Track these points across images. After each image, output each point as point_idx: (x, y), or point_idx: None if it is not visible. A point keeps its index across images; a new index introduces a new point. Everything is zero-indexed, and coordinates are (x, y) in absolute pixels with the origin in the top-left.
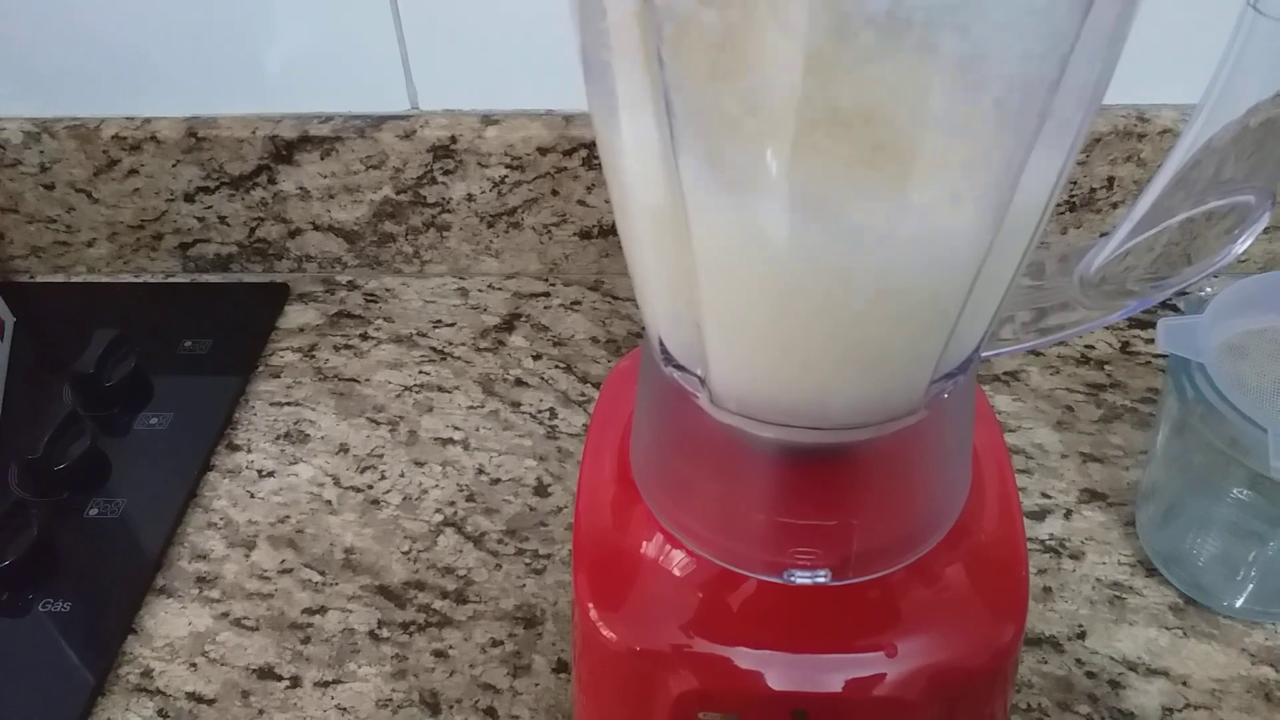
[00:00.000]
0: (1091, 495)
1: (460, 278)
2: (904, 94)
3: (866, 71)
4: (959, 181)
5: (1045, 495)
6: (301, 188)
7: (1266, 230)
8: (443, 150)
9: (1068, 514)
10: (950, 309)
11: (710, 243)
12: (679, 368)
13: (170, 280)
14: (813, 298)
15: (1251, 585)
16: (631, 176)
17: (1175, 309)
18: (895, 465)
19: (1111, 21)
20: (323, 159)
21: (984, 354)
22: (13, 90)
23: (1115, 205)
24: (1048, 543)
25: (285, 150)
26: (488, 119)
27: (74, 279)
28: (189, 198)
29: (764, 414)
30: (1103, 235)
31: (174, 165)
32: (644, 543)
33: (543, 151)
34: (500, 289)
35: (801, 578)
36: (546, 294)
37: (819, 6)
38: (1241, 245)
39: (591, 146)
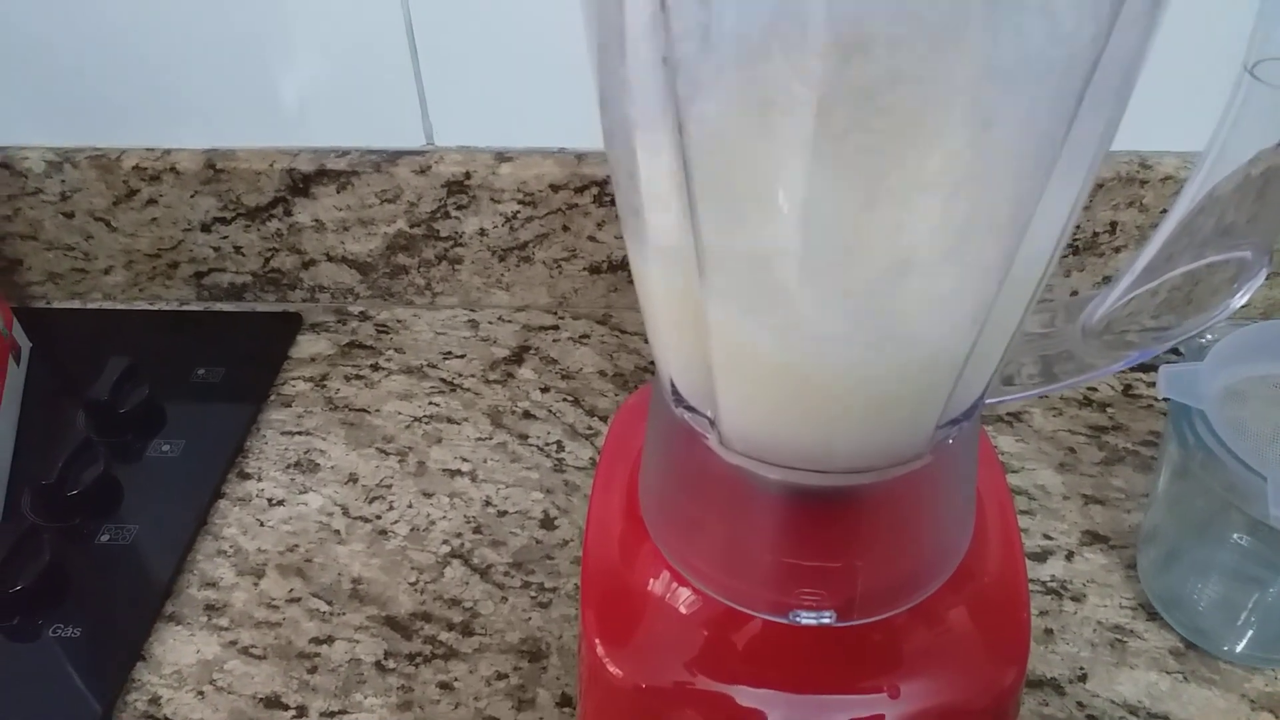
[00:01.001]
0: (1093, 537)
1: (471, 310)
2: (912, 146)
3: (874, 123)
4: (966, 233)
5: (1047, 536)
6: (317, 220)
7: (1267, 278)
8: (457, 185)
9: (1069, 556)
10: (956, 357)
11: (721, 285)
12: (689, 408)
13: (184, 308)
14: (821, 344)
15: (1252, 631)
16: (647, 216)
17: (1177, 354)
18: (900, 509)
19: (1119, 75)
20: (339, 192)
21: (989, 400)
22: (36, 120)
23: (1118, 249)
24: (1049, 584)
25: (302, 183)
26: (502, 156)
27: (89, 305)
28: (205, 228)
29: (772, 456)
30: (1106, 280)
31: (192, 196)
32: (651, 580)
33: (555, 188)
34: (510, 321)
35: (806, 618)
36: (556, 327)
37: (829, 21)
38: (1240, 299)
39: (603, 184)
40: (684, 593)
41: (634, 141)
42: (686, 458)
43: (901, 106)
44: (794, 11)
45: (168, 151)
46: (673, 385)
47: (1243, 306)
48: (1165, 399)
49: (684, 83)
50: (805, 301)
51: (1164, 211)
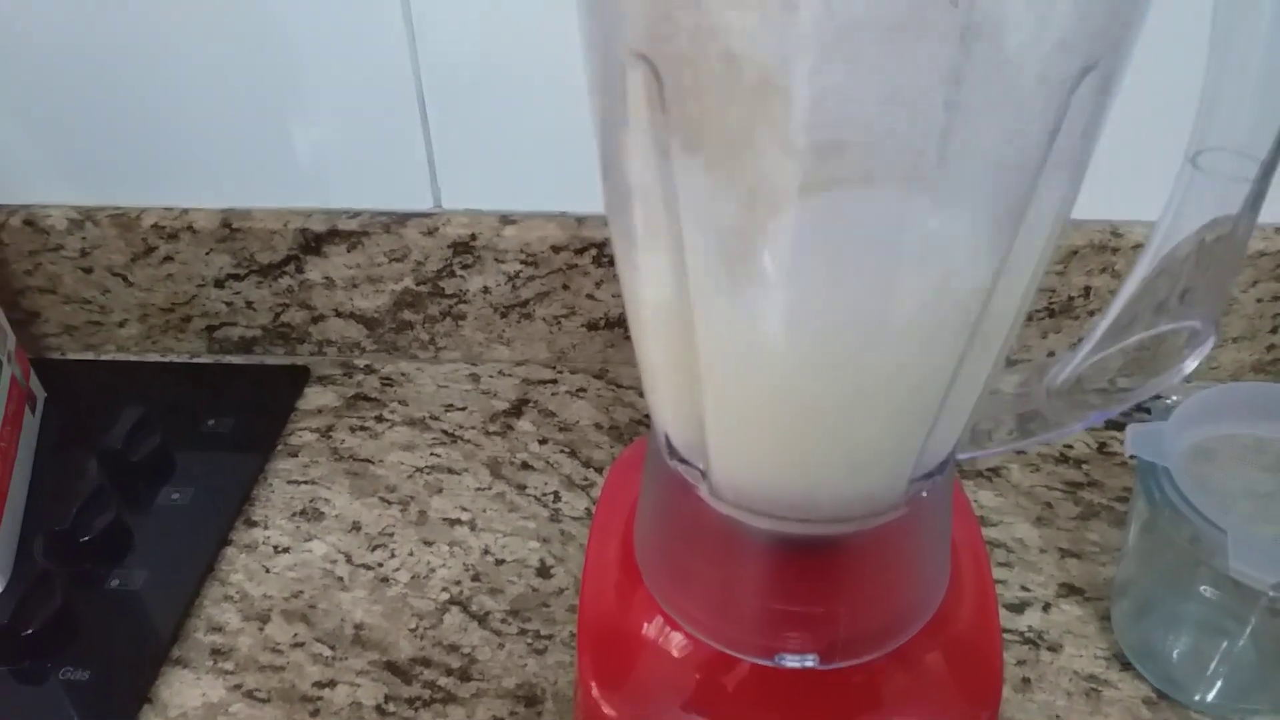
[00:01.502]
0: (1069, 589)
1: (472, 364)
2: (880, 230)
3: (847, 212)
4: (932, 304)
5: (1025, 588)
6: (327, 277)
7: (1235, 340)
8: (463, 246)
9: (1046, 607)
10: (926, 415)
11: (713, 343)
12: (682, 460)
13: (195, 360)
14: (804, 398)
15: (1221, 681)
16: (643, 275)
17: (1146, 413)
18: (879, 558)
19: (1072, 160)
20: (349, 251)
21: (968, 455)
22: (59, 179)
23: (1091, 313)
24: (1027, 634)
25: (314, 242)
26: (506, 218)
27: (103, 356)
28: (219, 283)
29: (759, 506)
30: (1079, 341)
31: (207, 253)
32: (645, 624)
33: (556, 249)
34: (510, 375)
35: (791, 661)
36: (554, 381)
37: (808, 129)
38: (1191, 364)
39: (601, 245)
40: (676, 637)
41: (633, 209)
42: (679, 507)
43: (872, 199)
44: (776, 120)
45: (185, 211)
46: (667, 439)
47: (1212, 368)
48: (1134, 456)
49: (679, 170)
50: (787, 361)
51: None
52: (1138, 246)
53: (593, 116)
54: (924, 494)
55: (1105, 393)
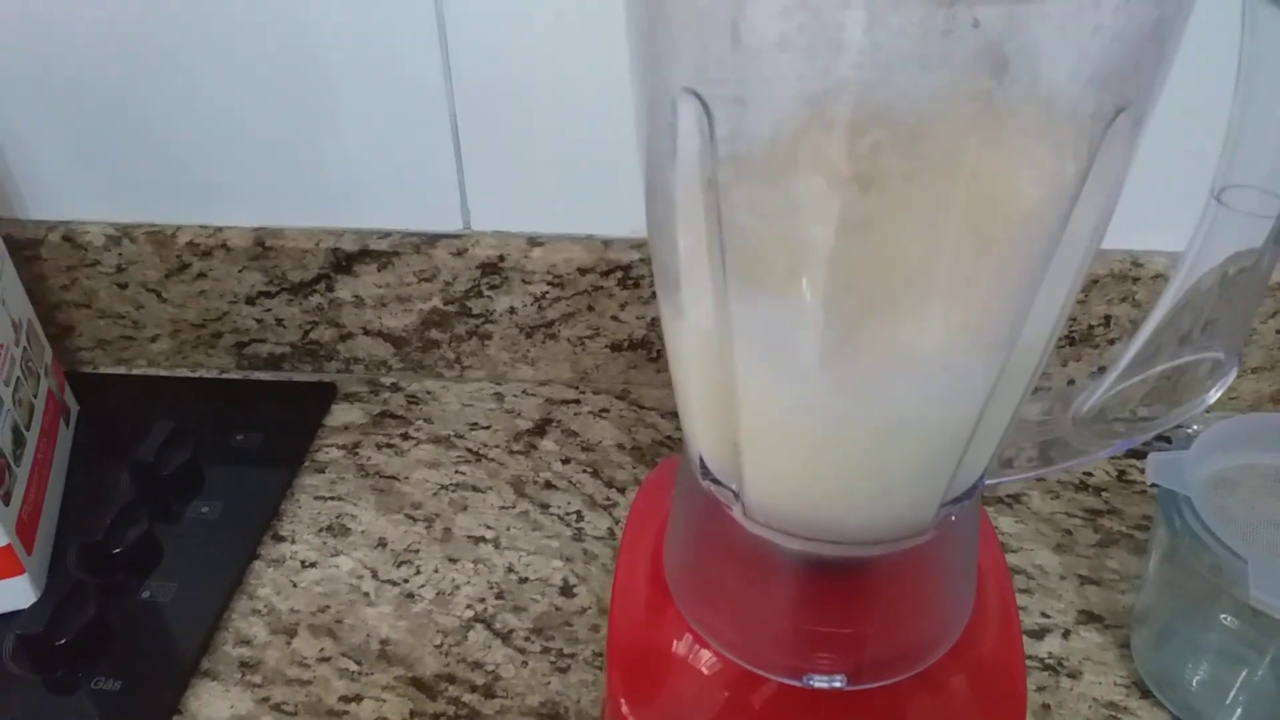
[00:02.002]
0: (1089, 616)
1: (497, 383)
2: (916, 261)
3: (884, 242)
4: (967, 332)
5: (1045, 615)
6: (357, 296)
7: (1255, 371)
8: (491, 267)
9: (1066, 634)
10: (958, 441)
11: (749, 365)
12: (715, 481)
13: (224, 376)
14: (839, 423)
15: (1240, 709)
16: (684, 301)
17: (1167, 442)
18: (907, 580)
19: (1102, 197)
20: (379, 270)
21: (992, 481)
22: (98, 197)
23: (1112, 341)
24: (1047, 661)
25: (345, 261)
26: (534, 240)
27: (134, 371)
28: (250, 300)
29: (791, 527)
30: (1101, 370)
31: (240, 271)
32: (674, 642)
33: (582, 271)
34: (534, 395)
35: (819, 681)
36: (577, 401)
37: (850, 161)
38: (1214, 395)
39: (626, 269)
40: (705, 655)
41: (676, 232)
42: (711, 527)
43: (909, 229)
44: (821, 153)
45: (220, 229)
46: (701, 460)
47: (1231, 398)
48: (1154, 485)
49: (724, 197)
50: (823, 385)
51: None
52: (1158, 276)
53: (639, 144)
54: (953, 518)
55: (1129, 422)
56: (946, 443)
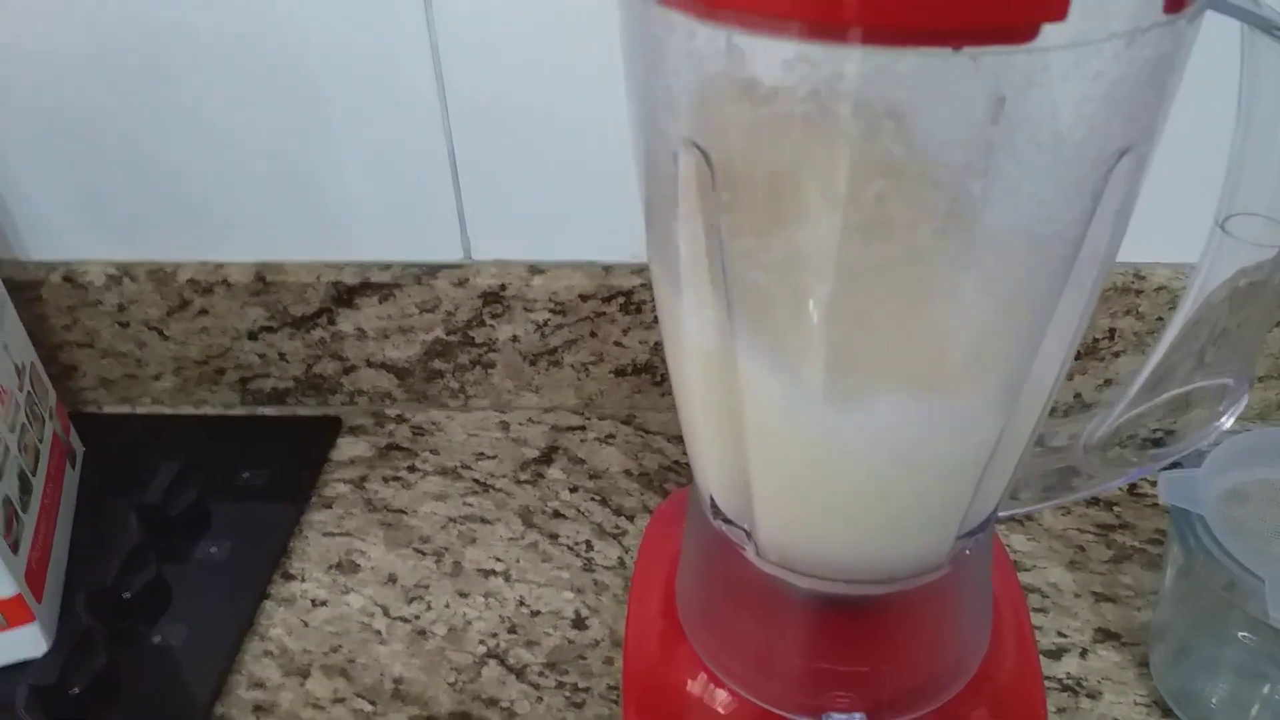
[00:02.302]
0: (1105, 635)
1: (502, 411)
2: (922, 304)
3: (889, 287)
4: (977, 365)
5: (1061, 634)
6: (359, 328)
7: (1261, 380)
8: (492, 296)
9: (1083, 653)
10: (974, 472)
11: (759, 409)
12: (728, 521)
13: (228, 412)
14: (851, 464)
15: None
16: (689, 343)
17: (1177, 460)
18: (924, 616)
19: (1111, 222)
20: (381, 303)
21: (1003, 513)
22: (98, 236)
23: (1117, 354)
24: (1065, 681)
25: (346, 294)
26: (534, 268)
27: (138, 409)
28: (253, 336)
29: (806, 567)
30: (1107, 383)
31: (241, 306)
32: (689, 681)
33: (583, 298)
34: (539, 422)
35: None
36: (583, 427)
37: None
38: (1226, 421)
39: (628, 294)
40: (721, 694)
41: (681, 277)
42: (723, 566)
43: (915, 274)
44: (822, 199)
45: (220, 265)
46: (712, 500)
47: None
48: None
49: (727, 244)
50: (834, 424)
51: (1159, 319)
52: (1161, 289)
53: (641, 188)
54: (967, 551)
55: (1142, 450)
56: (961, 477)
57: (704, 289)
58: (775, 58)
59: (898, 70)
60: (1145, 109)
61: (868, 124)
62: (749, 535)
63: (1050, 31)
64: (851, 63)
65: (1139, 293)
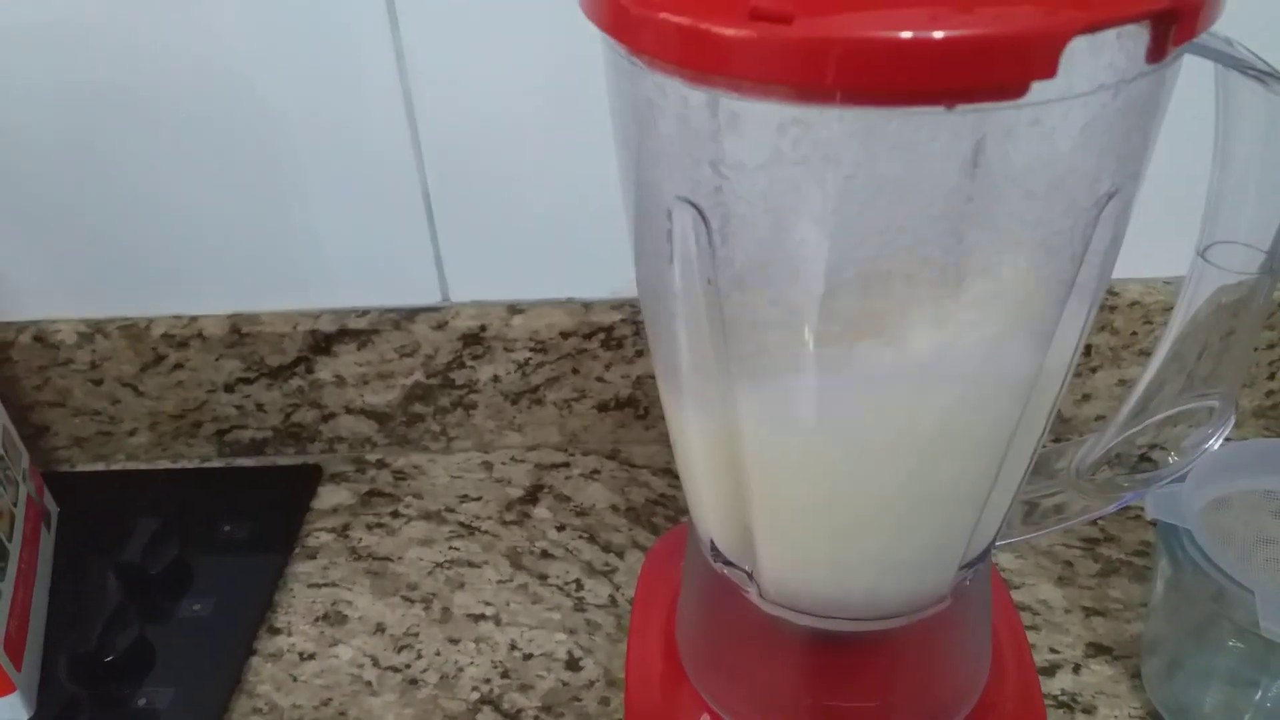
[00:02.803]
0: (1097, 649)
1: (485, 452)
2: (924, 339)
3: (894, 318)
4: (982, 403)
5: (1054, 650)
6: (338, 375)
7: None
8: (472, 338)
9: (1076, 668)
10: (974, 506)
11: (761, 454)
12: (728, 564)
13: (206, 465)
14: (853, 506)
15: None
16: (688, 394)
17: None
18: (929, 647)
19: (1100, 262)
20: (359, 349)
21: (1000, 543)
22: (68, 295)
23: (1094, 369)
24: (1060, 698)
25: (324, 342)
26: (514, 308)
27: (113, 467)
28: (229, 388)
29: (809, 607)
30: (1085, 399)
31: (217, 359)
32: None
33: (564, 335)
34: (523, 461)
35: None
36: (567, 464)
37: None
38: (1215, 443)
39: (609, 329)
40: None
41: (677, 330)
42: (725, 607)
43: (911, 326)
44: (817, 256)
45: (195, 318)
46: (712, 544)
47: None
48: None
49: (725, 299)
50: (836, 465)
51: (1133, 334)
52: (1135, 304)
53: (633, 244)
54: (968, 581)
55: (1132, 473)
56: (962, 510)
57: (703, 341)
58: (769, 121)
59: (888, 130)
60: (1131, 153)
61: (859, 183)
62: (751, 577)
63: (1040, 87)
64: (843, 124)
65: (1113, 309)
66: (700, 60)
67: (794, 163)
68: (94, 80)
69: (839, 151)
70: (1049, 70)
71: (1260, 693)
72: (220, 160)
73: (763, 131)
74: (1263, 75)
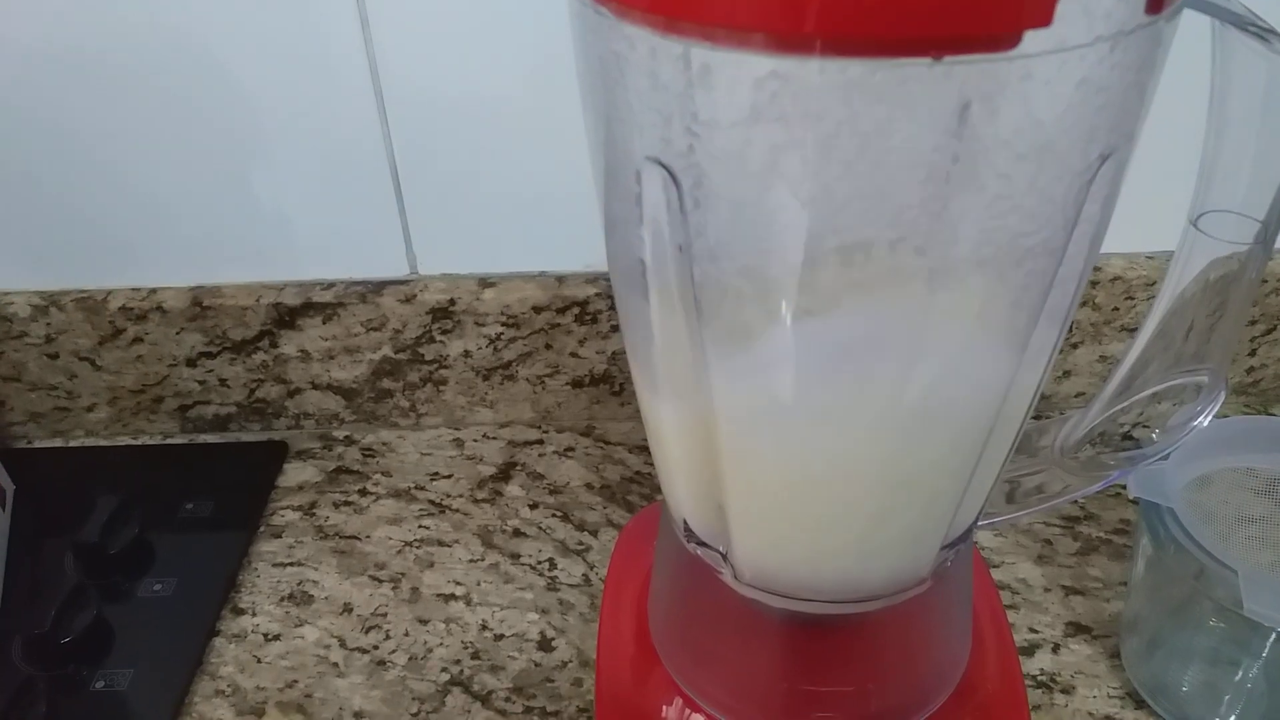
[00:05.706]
0: (1077, 628)
1: (455, 428)
2: (906, 311)
3: (874, 287)
4: (965, 377)
5: (1033, 630)
6: (303, 350)
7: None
8: (441, 312)
9: (1055, 648)
10: (956, 486)
11: (736, 430)
12: (702, 544)
13: (168, 441)
14: (831, 482)
15: (1235, 714)
16: (660, 369)
17: None
18: (908, 630)
19: (1092, 231)
20: (324, 323)
21: (981, 524)
22: (22, 266)
23: (1075, 345)
24: (1039, 678)
25: (288, 316)
26: (484, 281)
27: (72, 443)
28: (191, 362)
29: (785, 589)
30: (1066, 375)
31: (178, 333)
32: (665, 706)
33: (537, 310)
34: (495, 438)
35: None
36: (540, 441)
37: (830, 233)
38: (1203, 420)
39: (583, 304)
40: (697, 718)
41: (650, 303)
42: (698, 589)
43: (896, 291)
44: (796, 220)
45: (154, 291)
46: (686, 525)
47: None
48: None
49: (696, 264)
50: (812, 443)
51: (1115, 309)
52: (1116, 279)
53: (602, 208)
54: (949, 562)
55: (1117, 451)
56: (944, 491)
57: (672, 306)
58: (744, 74)
59: (872, 83)
60: (1127, 113)
61: (841, 141)
62: (725, 558)
63: (1033, 38)
64: (824, 76)
65: (1095, 284)
66: (671, 6)
67: (771, 120)
68: (50, 47)
69: (819, 108)
70: (1044, 18)
71: (1240, 672)
72: (181, 129)
73: (738, 86)
74: (1263, 32)
